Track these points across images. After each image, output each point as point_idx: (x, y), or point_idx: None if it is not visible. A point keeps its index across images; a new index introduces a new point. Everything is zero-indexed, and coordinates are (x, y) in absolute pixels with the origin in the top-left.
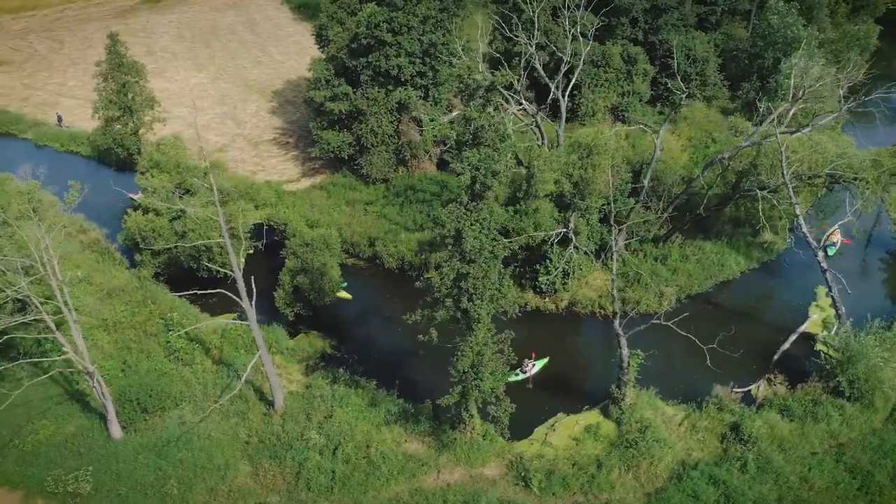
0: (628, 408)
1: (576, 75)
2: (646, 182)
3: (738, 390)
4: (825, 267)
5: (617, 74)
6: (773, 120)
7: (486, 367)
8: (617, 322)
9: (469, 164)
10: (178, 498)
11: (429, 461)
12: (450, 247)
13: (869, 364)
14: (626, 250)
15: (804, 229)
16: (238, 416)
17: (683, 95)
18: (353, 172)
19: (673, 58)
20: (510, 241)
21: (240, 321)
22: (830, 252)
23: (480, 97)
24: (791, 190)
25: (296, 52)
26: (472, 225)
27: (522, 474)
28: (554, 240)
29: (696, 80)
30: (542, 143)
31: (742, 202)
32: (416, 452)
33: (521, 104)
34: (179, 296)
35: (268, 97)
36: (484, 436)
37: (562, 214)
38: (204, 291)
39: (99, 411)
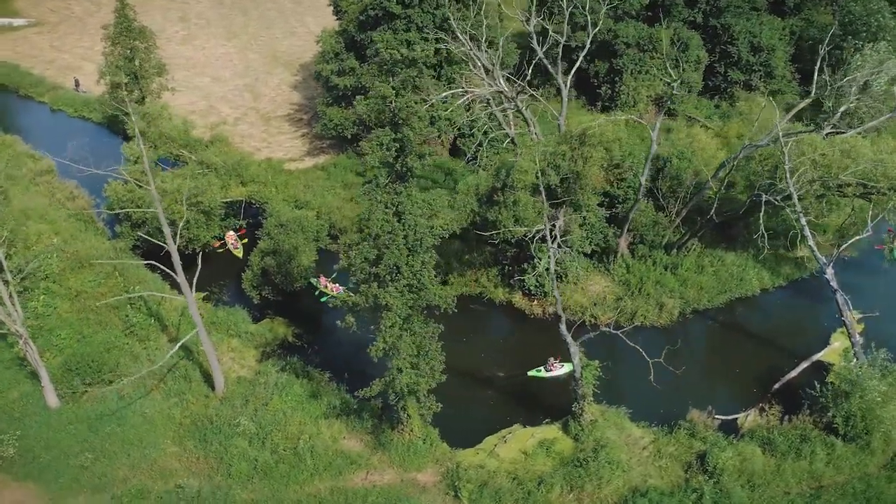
0: (588, 425)
1: (580, 58)
2: (642, 179)
3: (721, 417)
4: (835, 287)
5: (665, 61)
6: (833, 118)
7: (403, 360)
8: (563, 327)
9: (378, 143)
10: (92, 470)
11: (359, 460)
12: (365, 229)
13: (865, 399)
14: (633, 256)
15: (810, 242)
16: (178, 396)
17: (677, 83)
18: (358, 154)
19: (735, 44)
20: (489, 235)
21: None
22: None
23: (401, 74)
24: (797, 198)
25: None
26: (384, 208)
27: (454, 483)
28: (535, 236)
29: (759, 70)
30: (531, 131)
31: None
32: (350, 450)
33: (497, 87)
34: (108, 263)
35: (293, 70)
36: (424, 439)
37: (552, 210)
38: (132, 262)
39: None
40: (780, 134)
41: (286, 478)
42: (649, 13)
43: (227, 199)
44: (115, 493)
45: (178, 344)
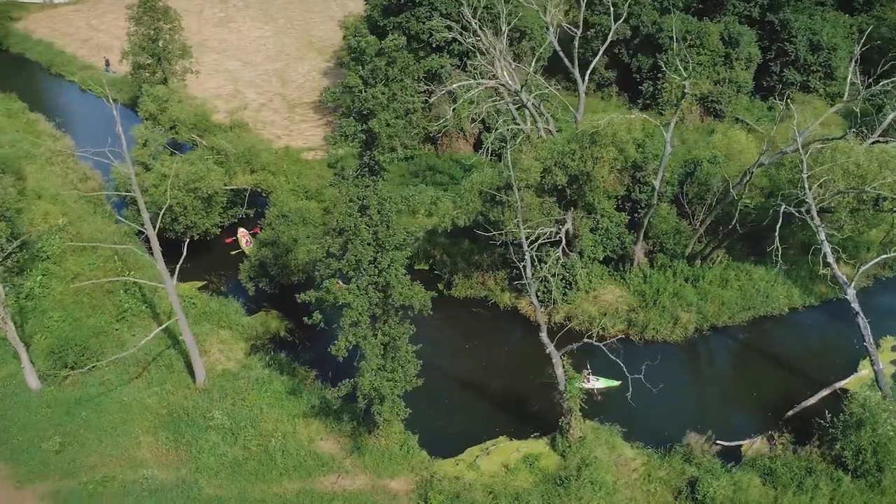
0: (575, 441)
1: (601, 51)
2: (656, 183)
3: (723, 443)
4: (857, 309)
5: (713, 57)
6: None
7: (371, 361)
8: (544, 335)
9: (342, 134)
10: (62, 456)
11: (331, 462)
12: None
13: (877, 433)
14: (652, 265)
15: (829, 259)
16: (158, 385)
17: (685, 83)
18: None
19: (793, 42)
20: (491, 235)
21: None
22: None
23: (369, 63)
24: (814, 209)
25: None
26: (349, 202)
27: (425, 493)
28: (538, 240)
29: (818, 71)
30: (539, 127)
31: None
32: (325, 451)
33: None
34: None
35: (326, 57)
36: (402, 446)
37: (562, 212)
38: (107, 245)
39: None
40: (799, 140)
41: (254, 475)
42: (700, 5)
43: (232, 187)
44: (81, 479)
45: (155, 332)
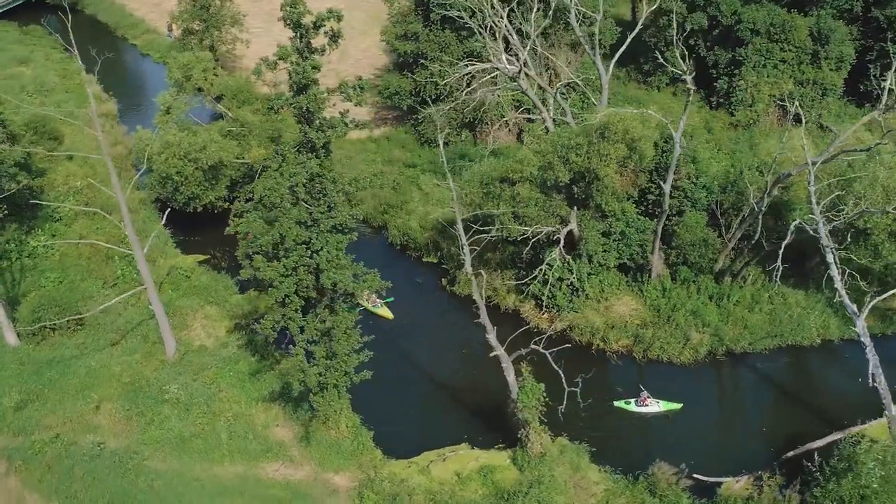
0: (536, 456)
1: (629, 38)
2: (666, 187)
3: (702, 477)
4: (866, 343)
5: (799, 55)
6: None
7: (299, 345)
8: (491, 337)
9: (269, 108)
10: (21, 413)
11: (277, 449)
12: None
13: (859, 483)
14: (674, 279)
15: (837, 284)
16: (129, 355)
17: (689, 78)
18: (415, 128)
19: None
20: (487, 231)
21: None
22: None
23: (303, 36)
24: (822, 227)
25: None
26: (278, 177)
27: (361, 492)
28: (538, 238)
29: None
30: (542, 117)
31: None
32: (277, 438)
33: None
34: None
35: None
36: (353, 440)
37: (569, 210)
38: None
39: None
40: (807, 153)
41: (199, 453)
42: None
43: (243, 160)
44: (32, 438)
45: (118, 298)
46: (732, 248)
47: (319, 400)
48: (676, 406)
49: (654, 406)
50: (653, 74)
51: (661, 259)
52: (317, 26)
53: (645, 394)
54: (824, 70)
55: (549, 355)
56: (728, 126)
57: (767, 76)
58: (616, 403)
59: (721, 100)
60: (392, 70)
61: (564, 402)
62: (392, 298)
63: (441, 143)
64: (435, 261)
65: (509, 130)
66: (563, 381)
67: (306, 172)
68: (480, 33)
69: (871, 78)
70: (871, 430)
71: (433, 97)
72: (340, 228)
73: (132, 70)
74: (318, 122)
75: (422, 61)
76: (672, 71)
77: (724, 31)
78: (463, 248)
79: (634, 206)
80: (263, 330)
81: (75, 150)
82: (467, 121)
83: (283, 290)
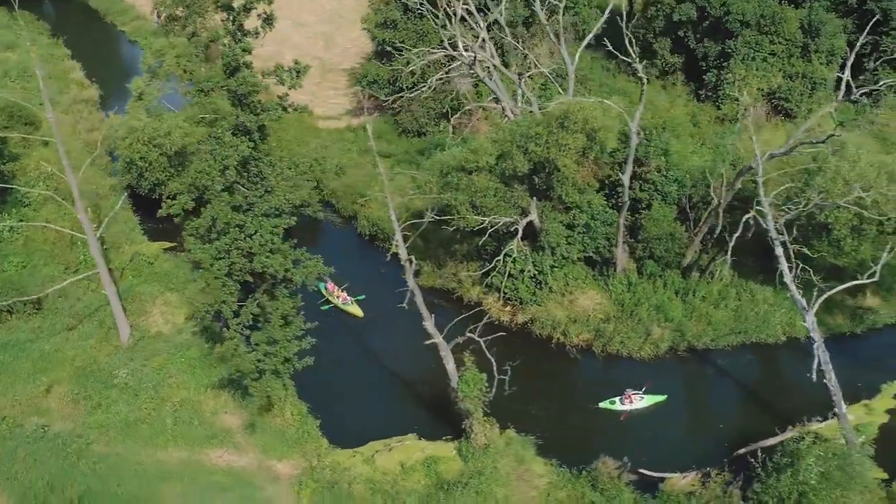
0: (480, 448)
1: (594, 30)
2: (625, 179)
3: (647, 472)
4: (816, 339)
5: (789, 48)
6: None
7: (232, 328)
8: (429, 325)
9: (198, 90)
10: None
11: (222, 436)
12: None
13: (798, 479)
14: (640, 273)
15: (787, 278)
16: (85, 339)
17: (640, 67)
18: (393, 117)
19: (891, 35)
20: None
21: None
22: None
23: (234, 18)
24: (771, 217)
25: None
26: (210, 159)
27: (301, 480)
28: (497, 229)
29: None
30: (502, 106)
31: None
32: (224, 425)
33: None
34: None
35: None
36: (298, 429)
37: (531, 201)
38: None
39: None
40: (755, 144)
41: (144, 439)
42: None
43: None
44: None
45: (67, 281)
46: (701, 243)
47: (256, 385)
48: (661, 398)
49: (640, 402)
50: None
51: (625, 252)
52: (247, 9)
53: (628, 391)
54: (814, 64)
55: (482, 343)
56: (714, 120)
57: (756, 69)
58: (601, 404)
59: (709, 93)
60: (373, 59)
61: (493, 390)
62: (363, 296)
63: (369, 130)
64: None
65: (487, 119)
66: (494, 368)
67: (238, 155)
68: (433, 19)
69: (865, 72)
70: (826, 430)
71: (409, 86)
72: (276, 212)
73: (119, 56)
74: (251, 104)
75: (399, 50)
76: (662, 63)
77: (714, 23)
78: (395, 234)
79: (605, 198)
80: (198, 313)
81: (51, 136)
82: (444, 111)
83: (215, 272)
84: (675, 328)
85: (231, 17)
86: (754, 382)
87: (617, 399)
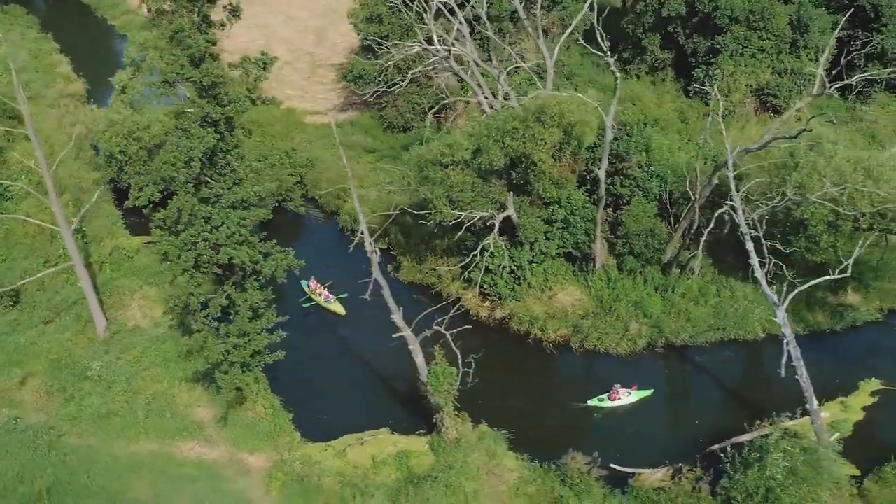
0: (451, 442)
1: (572, 26)
2: (600, 173)
3: (619, 468)
4: (787, 334)
5: (778, 44)
6: None
7: (198, 321)
8: (397, 318)
9: (164, 81)
10: None
11: (194, 429)
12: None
13: (764, 475)
14: (620, 269)
15: (757, 273)
16: (61, 332)
17: (611, 61)
18: (379, 112)
19: (882, 31)
20: (422, 215)
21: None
22: None
23: (199, 10)
24: (741, 214)
25: None
26: (175, 149)
27: (271, 473)
28: (473, 223)
29: None
30: (479, 100)
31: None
32: (197, 418)
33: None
34: None
35: None
36: (271, 422)
37: (508, 195)
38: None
39: None
40: (726, 139)
41: (116, 431)
42: None
43: None
44: None
45: (41, 273)
46: (681, 239)
47: (224, 377)
48: (648, 393)
49: (627, 398)
50: (631, 62)
51: (604, 248)
52: (212, 0)
53: (616, 386)
54: (803, 60)
55: (449, 336)
56: (703, 116)
57: (745, 65)
58: (589, 402)
59: (698, 88)
60: (360, 54)
61: (457, 382)
62: (346, 294)
63: (333, 124)
64: (384, 247)
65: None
66: (460, 361)
67: (203, 146)
68: (406, 14)
69: (856, 69)
70: (800, 426)
71: (388, 81)
72: (245, 204)
73: (108, 50)
74: (217, 96)
75: (384, 44)
76: (652, 59)
77: (703, 19)
78: (361, 227)
79: (587, 194)
80: (168, 304)
81: (36, 130)
82: (430, 106)
83: (182, 264)
84: (654, 324)
85: (196, 9)
86: (732, 379)
87: (605, 396)
